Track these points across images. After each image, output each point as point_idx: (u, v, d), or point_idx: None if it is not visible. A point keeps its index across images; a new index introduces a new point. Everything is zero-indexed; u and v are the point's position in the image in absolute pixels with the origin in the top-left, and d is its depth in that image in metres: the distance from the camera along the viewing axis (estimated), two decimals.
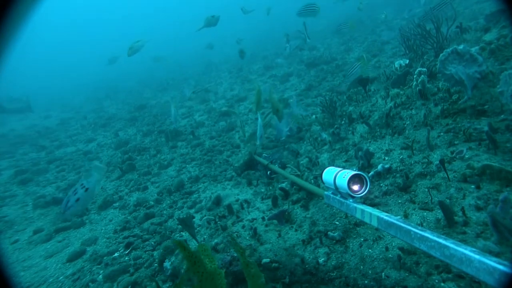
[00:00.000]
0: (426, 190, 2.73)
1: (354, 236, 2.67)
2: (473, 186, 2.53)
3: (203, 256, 1.46)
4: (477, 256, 1.05)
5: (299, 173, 3.91)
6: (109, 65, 12.11)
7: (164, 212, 4.43)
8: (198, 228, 3.67)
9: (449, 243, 1.16)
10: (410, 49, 5.94)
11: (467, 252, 1.09)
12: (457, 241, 1.18)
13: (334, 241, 2.69)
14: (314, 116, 5.82)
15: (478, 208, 2.32)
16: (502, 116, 3.07)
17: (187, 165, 5.90)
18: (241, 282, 2.30)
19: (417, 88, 4.00)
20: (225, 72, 13.45)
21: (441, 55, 3.58)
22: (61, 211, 3.07)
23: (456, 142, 3.12)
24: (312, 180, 3.74)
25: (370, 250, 2.45)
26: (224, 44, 18.44)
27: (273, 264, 2.61)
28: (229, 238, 1.62)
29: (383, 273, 2.19)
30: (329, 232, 2.78)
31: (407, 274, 2.11)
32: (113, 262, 3.54)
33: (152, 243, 3.71)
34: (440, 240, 1.19)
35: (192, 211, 4.26)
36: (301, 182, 3.40)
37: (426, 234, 1.25)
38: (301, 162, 4.30)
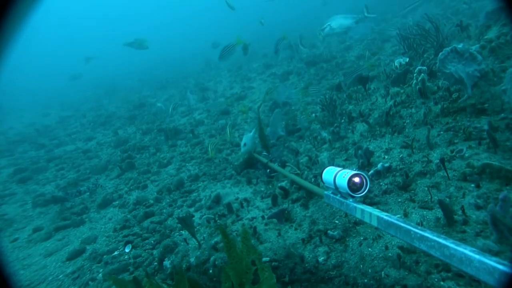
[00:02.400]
0: (426, 189, 2.73)
1: (354, 235, 2.67)
2: (473, 185, 2.53)
3: (243, 245, 1.84)
4: (477, 256, 1.04)
5: (298, 171, 3.91)
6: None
7: (164, 210, 4.43)
8: (197, 227, 3.67)
9: (449, 243, 1.16)
10: (410, 47, 5.92)
11: (467, 251, 1.08)
12: (457, 240, 1.18)
13: (333, 240, 2.70)
14: (313, 115, 5.81)
15: (478, 207, 2.32)
16: (502, 114, 3.07)
17: (187, 164, 5.90)
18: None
19: (417, 87, 4.00)
20: (224, 71, 13.41)
21: (440, 54, 3.57)
22: None
23: (456, 141, 3.11)
24: (312, 179, 3.74)
25: (369, 249, 2.45)
26: (225, 43, 18.42)
27: (273, 263, 2.61)
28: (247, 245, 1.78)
29: (382, 272, 2.19)
30: (328, 231, 2.78)
31: (406, 273, 2.11)
32: (112, 260, 3.55)
33: (152, 241, 3.71)
34: (440, 240, 1.19)
35: (191, 209, 4.26)
36: (301, 181, 3.39)
37: (426, 234, 1.25)
38: (301, 160, 4.29)
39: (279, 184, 3.85)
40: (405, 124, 3.83)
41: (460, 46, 3.49)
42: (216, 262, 2.77)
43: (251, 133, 4.68)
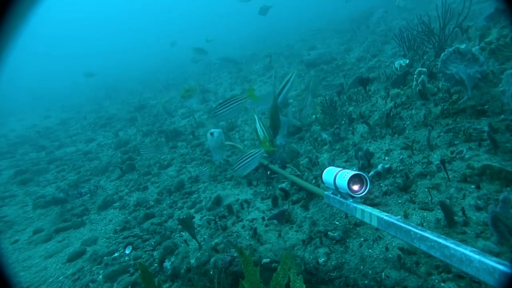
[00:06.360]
0: (426, 190, 2.73)
1: (354, 236, 2.67)
2: (473, 186, 2.53)
3: (280, 268, 1.92)
4: (477, 256, 1.05)
5: (299, 173, 3.91)
6: None
7: (164, 212, 4.43)
8: (198, 228, 3.67)
9: (449, 243, 1.16)
10: (410, 49, 5.94)
11: (467, 252, 1.08)
12: (457, 241, 1.18)
13: (334, 241, 2.69)
14: (314, 116, 5.81)
15: (478, 208, 2.32)
16: (502, 116, 3.07)
17: (187, 165, 5.90)
18: None
19: (417, 88, 4.00)
20: (224, 72, 13.44)
21: (442, 54, 3.57)
22: None
23: (456, 142, 3.11)
24: (313, 180, 3.74)
25: (370, 250, 2.45)
26: (225, 45, 18.56)
27: (273, 264, 2.61)
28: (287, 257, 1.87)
29: (383, 273, 2.19)
30: (329, 232, 2.78)
31: (407, 274, 2.11)
32: (113, 262, 3.54)
33: (152, 243, 3.71)
34: (440, 240, 1.19)
35: (192, 211, 4.26)
36: (301, 182, 3.40)
37: (426, 234, 1.25)
38: (301, 162, 4.29)
39: (279, 186, 3.86)
40: (405, 125, 3.83)
41: (463, 46, 3.49)
42: (217, 264, 2.77)
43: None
